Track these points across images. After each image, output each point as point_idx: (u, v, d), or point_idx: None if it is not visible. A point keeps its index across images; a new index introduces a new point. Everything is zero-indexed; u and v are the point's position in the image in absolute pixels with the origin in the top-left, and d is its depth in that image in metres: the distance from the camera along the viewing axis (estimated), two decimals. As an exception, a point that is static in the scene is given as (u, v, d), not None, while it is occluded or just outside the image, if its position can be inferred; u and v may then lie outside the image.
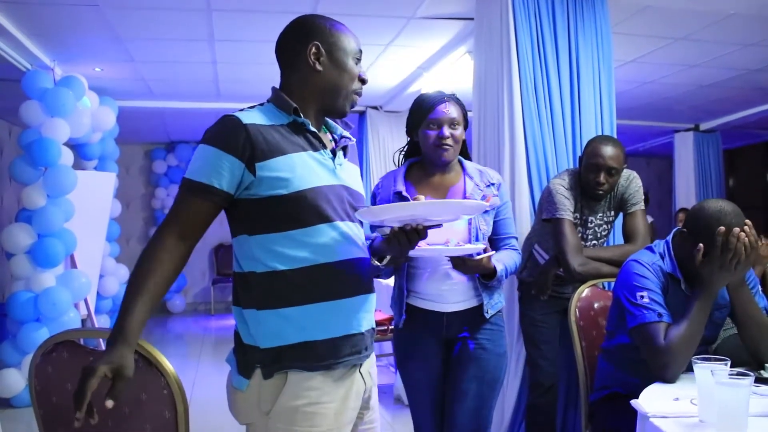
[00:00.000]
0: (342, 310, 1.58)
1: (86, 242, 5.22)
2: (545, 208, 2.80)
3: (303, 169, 1.55)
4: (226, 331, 7.79)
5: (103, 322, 6.21)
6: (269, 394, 1.52)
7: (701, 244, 1.93)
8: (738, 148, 9.81)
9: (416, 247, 1.71)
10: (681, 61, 5.30)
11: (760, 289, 2.18)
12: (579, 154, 3.13)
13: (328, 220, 1.57)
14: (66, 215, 4.83)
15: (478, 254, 2.07)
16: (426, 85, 5.78)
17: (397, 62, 5.42)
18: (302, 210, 1.53)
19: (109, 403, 1.33)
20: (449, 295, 2.24)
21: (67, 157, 4.92)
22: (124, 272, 6.69)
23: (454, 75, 5.20)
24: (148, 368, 1.51)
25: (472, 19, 3.84)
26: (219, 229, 9.77)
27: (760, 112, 7.06)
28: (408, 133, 2.35)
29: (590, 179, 2.74)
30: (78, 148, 5.64)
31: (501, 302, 2.31)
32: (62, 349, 1.58)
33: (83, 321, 5.21)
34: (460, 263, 2.07)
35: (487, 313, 2.23)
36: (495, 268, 2.13)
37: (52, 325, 4.53)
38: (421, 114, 2.25)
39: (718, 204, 1.99)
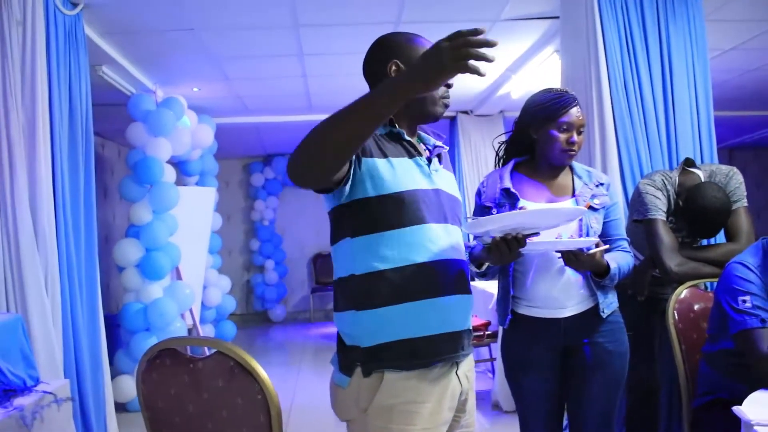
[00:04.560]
0: (439, 308, 1.62)
1: (190, 255, 5.49)
2: (636, 209, 2.71)
3: (402, 172, 1.63)
4: (325, 339, 7.95)
5: (208, 331, 6.48)
6: (367, 393, 1.59)
7: None
8: None
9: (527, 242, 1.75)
10: (787, 45, 4.99)
11: None
12: (674, 152, 3.01)
13: (424, 221, 1.63)
14: (170, 230, 5.10)
15: (590, 249, 1.99)
16: (515, 88, 5.73)
17: (485, 66, 5.38)
18: (400, 211, 1.60)
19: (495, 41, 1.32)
20: (563, 298, 2.14)
21: (170, 174, 5.21)
22: (226, 283, 6.94)
23: (542, 75, 5.12)
24: (243, 375, 1.57)
25: (558, 17, 3.77)
26: (317, 239, 9.98)
27: None
28: (524, 128, 2.25)
29: (696, 230, 2.62)
30: (180, 165, 5.94)
31: (615, 302, 2.21)
32: (165, 356, 1.68)
33: (189, 330, 5.47)
34: (573, 258, 1.98)
35: (603, 312, 2.14)
36: (608, 265, 2.05)
37: (161, 334, 4.77)
38: (552, 113, 2.15)
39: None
